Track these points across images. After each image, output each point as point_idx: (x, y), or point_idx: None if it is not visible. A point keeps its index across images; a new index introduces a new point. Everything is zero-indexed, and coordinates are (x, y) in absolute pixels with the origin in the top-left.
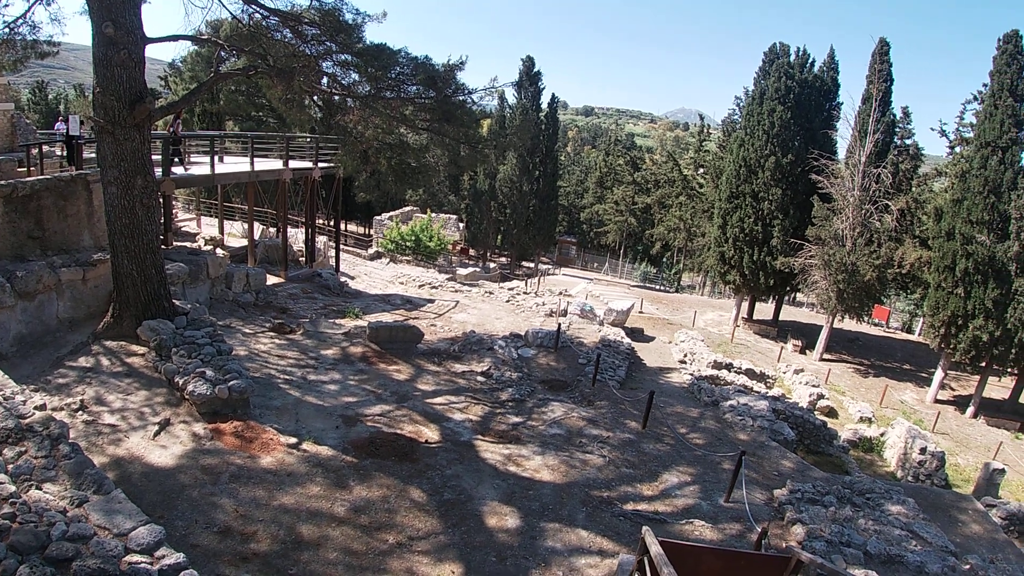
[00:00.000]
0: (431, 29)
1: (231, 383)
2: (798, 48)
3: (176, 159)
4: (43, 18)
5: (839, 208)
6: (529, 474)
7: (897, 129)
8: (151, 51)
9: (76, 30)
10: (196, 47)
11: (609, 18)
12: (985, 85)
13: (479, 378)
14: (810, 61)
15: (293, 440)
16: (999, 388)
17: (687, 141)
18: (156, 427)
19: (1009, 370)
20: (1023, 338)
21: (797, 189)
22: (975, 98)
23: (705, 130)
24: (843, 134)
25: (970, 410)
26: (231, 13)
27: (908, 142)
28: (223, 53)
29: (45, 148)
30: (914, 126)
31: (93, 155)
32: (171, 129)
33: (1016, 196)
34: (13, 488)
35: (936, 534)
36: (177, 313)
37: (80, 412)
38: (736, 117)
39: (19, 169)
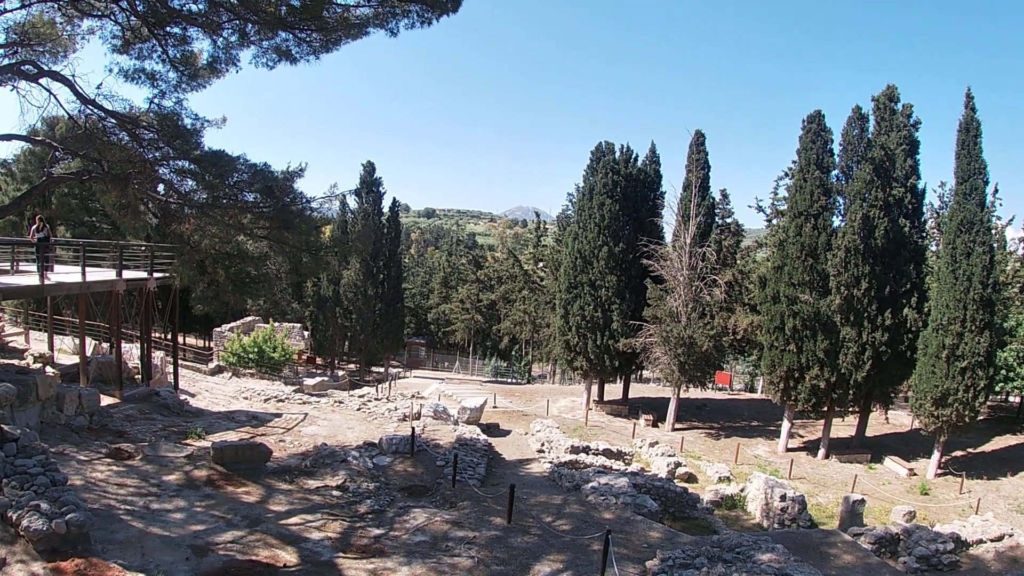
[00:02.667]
0: (269, 139)
1: (68, 517)
2: (622, 145)
3: (45, 264)
4: None
5: (671, 287)
6: None
7: (717, 210)
8: None
9: None
10: (30, 146)
11: (447, 124)
12: (794, 162)
13: (334, 492)
14: (634, 156)
15: None
16: (844, 427)
17: (526, 237)
18: None
19: (850, 410)
20: (858, 380)
21: (631, 274)
22: (786, 174)
23: (542, 226)
24: (668, 220)
25: (821, 452)
26: (67, 113)
27: (729, 220)
28: (57, 154)
29: None
30: (733, 205)
31: None
32: (36, 235)
33: (831, 256)
34: None
35: (811, 572)
36: (6, 440)
37: None
38: (570, 212)
39: None
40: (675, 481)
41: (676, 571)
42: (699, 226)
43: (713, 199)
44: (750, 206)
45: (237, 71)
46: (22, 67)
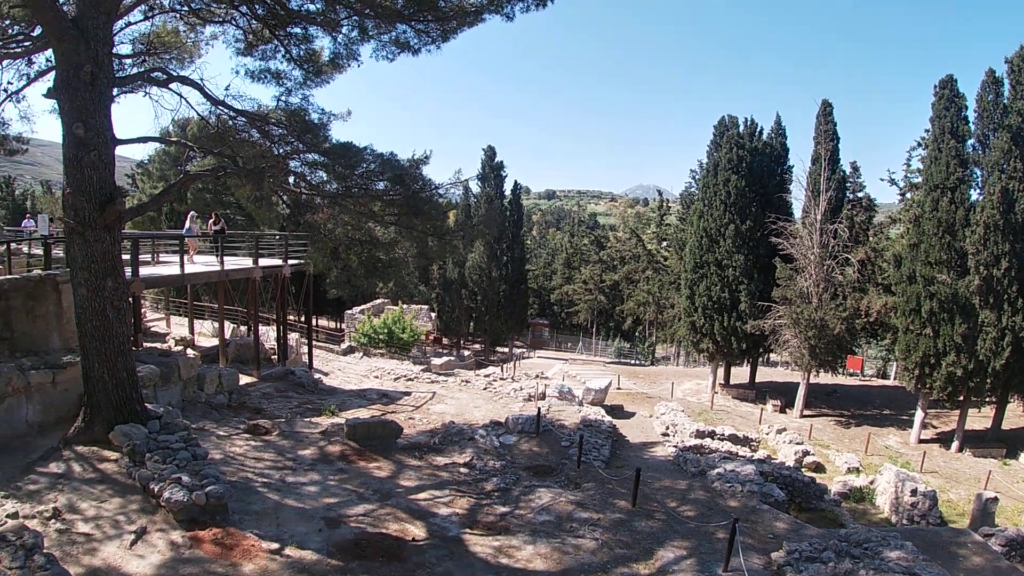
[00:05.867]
0: (390, 125)
1: (208, 489)
2: (746, 119)
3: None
4: (13, 115)
5: (801, 267)
6: (522, 564)
7: (848, 184)
8: (119, 149)
9: (45, 127)
10: (163, 147)
11: (564, 105)
12: (927, 131)
13: (462, 469)
14: (759, 130)
15: (275, 545)
16: (980, 419)
17: (648, 216)
18: (132, 536)
19: (987, 400)
20: (996, 368)
21: (759, 253)
22: (919, 144)
23: (665, 204)
24: (797, 195)
25: (955, 445)
26: (198, 114)
27: (860, 195)
28: (191, 153)
29: (14, 246)
30: (864, 179)
31: (61, 254)
32: (213, 227)
33: (970, 232)
34: None
35: (939, 573)
36: (150, 417)
37: (53, 520)
38: (693, 189)
39: None
40: (802, 470)
41: (802, 564)
42: (830, 201)
43: (843, 172)
44: (882, 179)
45: (359, 65)
46: (152, 74)
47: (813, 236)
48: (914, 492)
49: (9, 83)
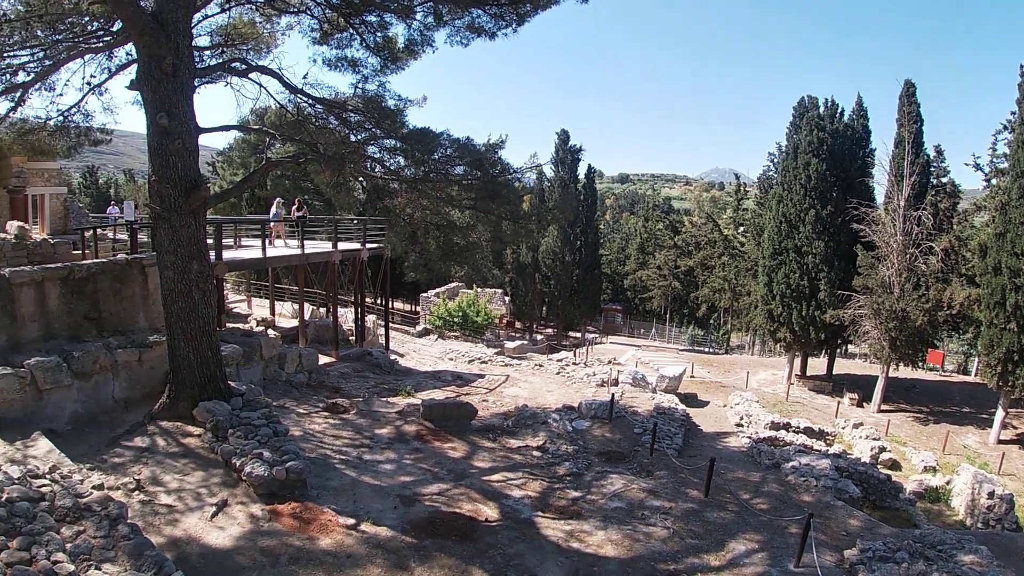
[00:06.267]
0: (463, 109)
1: (288, 464)
2: (826, 99)
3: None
4: (96, 107)
5: (883, 255)
6: (592, 550)
7: (932, 169)
8: (202, 138)
9: (127, 118)
10: (243, 134)
11: (636, 87)
12: (1013, 113)
13: (535, 453)
14: (839, 111)
15: (351, 521)
16: None
17: (724, 201)
18: (213, 508)
19: None
20: None
21: (840, 240)
22: (1006, 127)
23: (742, 188)
24: (879, 180)
25: None
26: (277, 102)
27: (944, 180)
28: (271, 140)
29: (100, 231)
30: (948, 163)
31: (146, 239)
32: (296, 213)
33: None
34: (72, 568)
35: None
36: (233, 394)
37: (137, 492)
38: (772, 173)
39: (73, 252)
40: (878, 467)
41: (875, 564)
42: (913, 187)
43: (927, 156)
44: (967, 164)
45: (433, 51)
46: (231, 64)
47: (896, 223)
48: (991, 495)
49: (92, 76)
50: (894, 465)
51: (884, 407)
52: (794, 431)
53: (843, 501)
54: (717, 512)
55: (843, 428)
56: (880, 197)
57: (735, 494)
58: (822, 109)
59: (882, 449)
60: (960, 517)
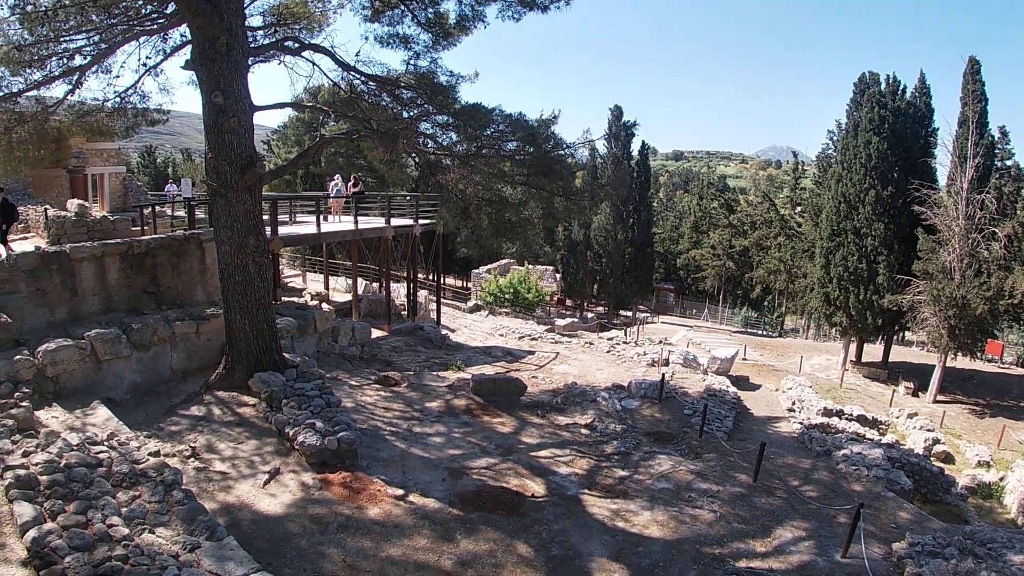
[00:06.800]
0: (515, 84)
1: (340, 435)
2: (888, 76)
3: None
4: (152, 88)
5: (944, 239)
6: (638, 530)
7: (997, 151)
8: (256, 116)
9: (183, 98)
10: (297, 112)
11: (690, 61)
12: None
13: (583, 431)
14: (901, 88)
15: (400, 492)
16: None
17: (781, 179)
18: (266, 476)
19: None
20: None
21: (900, 222)
22: None
23: (800, 167)
24: (942, 161)
25: None
26: (330, 80)
27: (1009, 163)
28: (324, 118)
29: (158, 208)
30: (1013, 146)
31: (203, 215)
32: (352, 189)
33: None
34: (126, 531)
35: None
36: (287, 366)
37: (191, 459)
38: (831, 151)
39: (132, 228)
40: (931, 459)
41: (924, 558)
42: (976, 169)
43: (992, 137)
44: None
45: (485, 26)
46: (285, 43)
47: (958, 206)
48: None
49: (147, 58)
50: (947, 458)
51: (940, 398)
52: (847, 418)
53: (894, 492)
54: (765, 498)
55: (897, 417)
56: (942, 179)
57: (784, 480)
58: (884, 86)
59: (936, 441)
60: (1012, 515)
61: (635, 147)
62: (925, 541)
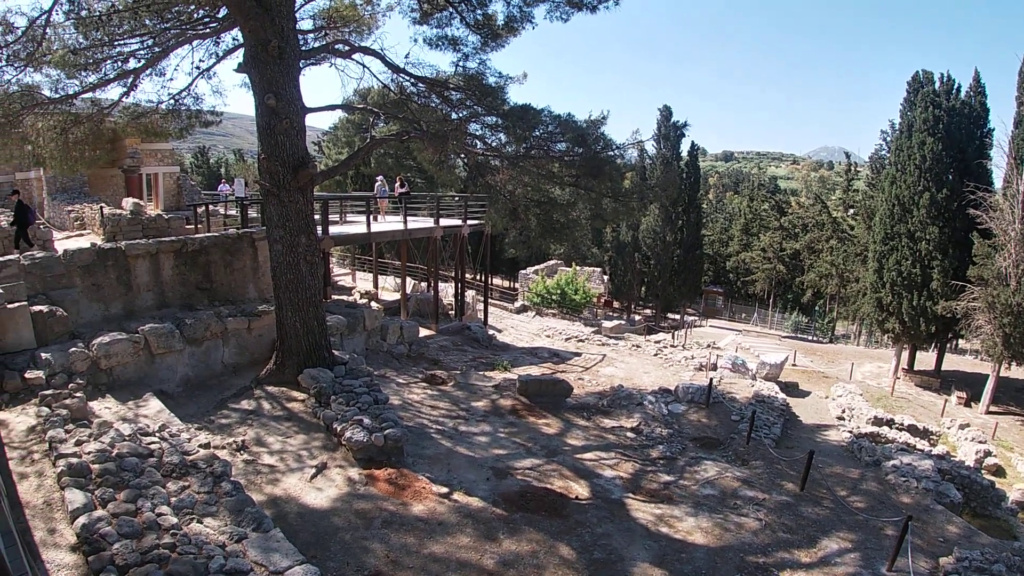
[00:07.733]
0: (564, 85)
1: (387, 431)
2: (942, 75)
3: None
4: (205, 90)
5: (1000, 244)
6: (681, 536)
7: None
8: (308, 118)
9: (236, 100)
10: (347, 114)
11: (740, 61)
12: None
13: (629, 434)
14: (956, 87)
15: (444, 490)
16: None
17: (833, 181)
18: (313, 470)
19: None
20: None
21: (955, 226)
22: None
23: (852, 168)
24: (998, 163)
25: None
26: (380, 82)
27: None
28: (374, 119)
29: (211, 208)
30: None
31: (256, 215)
32: (399, 190)
33: None
34: (175, 520)
35: None
36: (336, 363)
37: (240, 452)
38: (884, 152)
39: (186, 226)
40: (982, 472)
41: (971, 574)
42: None
43: None
44: None
45: (533, 27)
46: (335, 46)
47: (1014, 209)
48: None
49: (200, 61)
50: (999, 471)
51: (993, 408)
52: (897, 428)
53: (943, 505)
54: (812, 507)
55: (948, 428)
56: (998, 181)
57: (832, 490)
58: (937, 85)
59: (987, 453)
60: None
61: (684, 148)
62: (973, 556)
